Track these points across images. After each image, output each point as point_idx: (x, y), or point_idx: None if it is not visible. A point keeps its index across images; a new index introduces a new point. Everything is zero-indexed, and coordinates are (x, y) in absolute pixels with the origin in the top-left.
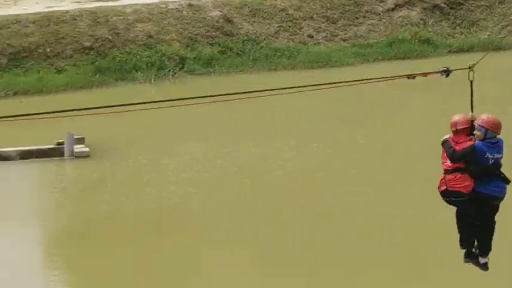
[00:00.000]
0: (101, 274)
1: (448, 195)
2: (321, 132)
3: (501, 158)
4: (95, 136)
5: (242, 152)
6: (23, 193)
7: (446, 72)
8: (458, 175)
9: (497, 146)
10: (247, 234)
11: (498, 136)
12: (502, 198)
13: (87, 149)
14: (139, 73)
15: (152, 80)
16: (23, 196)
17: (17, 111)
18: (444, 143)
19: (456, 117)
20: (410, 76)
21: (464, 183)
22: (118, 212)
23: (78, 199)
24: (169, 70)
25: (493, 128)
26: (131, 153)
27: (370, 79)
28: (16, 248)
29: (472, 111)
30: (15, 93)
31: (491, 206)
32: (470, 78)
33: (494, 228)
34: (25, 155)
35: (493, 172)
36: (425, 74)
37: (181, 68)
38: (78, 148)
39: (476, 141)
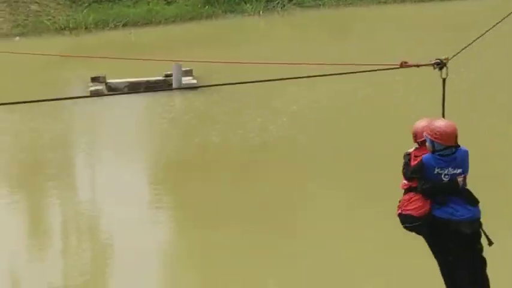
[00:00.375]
0: (208, 206)
1: (402, 221)
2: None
3: (462, 173)
4: (202, 68)
5: (351, 87)
6: (132, 123)
7: (440, 65)
8: (412, 195)
9: (452, 159)
10: (352, 170)
11: (462, 147)
12: (469, 224)
13: (195, 81)
14: (248, 5)
15: (261, 12)
16: (132, 126)
17: (126, 43)
18: (404, 157)
19: (416, 126)
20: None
21: (415, 205)
22: (225, 144)
23: (186, 130)
24: (278, 2)
25: (440, 139)
26: (239, 86)
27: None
28: (125, 177)
29: (443, 116)
30: (124, 25)
31: (461, 234)
32: (443, 76)
33: (485, 276)
34: (133, 87)
35: (453, 191)
36: (417, 65)
37: (290, 1)
38: (186, 80)
39: (426, 155)
